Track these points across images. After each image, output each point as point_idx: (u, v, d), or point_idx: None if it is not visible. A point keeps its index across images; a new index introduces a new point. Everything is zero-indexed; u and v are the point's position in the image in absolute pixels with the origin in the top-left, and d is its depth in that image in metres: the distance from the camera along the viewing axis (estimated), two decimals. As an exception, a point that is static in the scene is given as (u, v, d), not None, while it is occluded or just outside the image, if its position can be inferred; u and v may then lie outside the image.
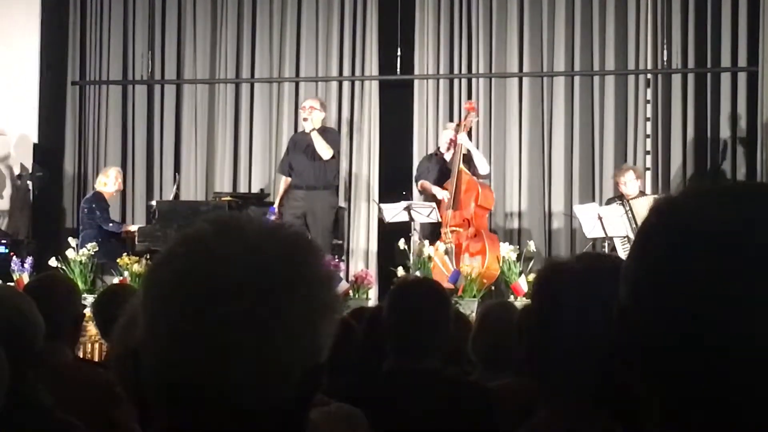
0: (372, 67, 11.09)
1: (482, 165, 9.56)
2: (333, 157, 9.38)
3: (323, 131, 9.42)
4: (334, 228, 9.77)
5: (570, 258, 1.86)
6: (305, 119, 9.37)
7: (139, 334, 1.14)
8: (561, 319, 1.70)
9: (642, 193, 9.22)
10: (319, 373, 1.13)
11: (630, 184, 9.19)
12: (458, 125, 9.65)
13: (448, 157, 9.59)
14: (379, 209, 9.80)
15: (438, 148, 9.90)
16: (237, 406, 1.08)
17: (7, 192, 10.65)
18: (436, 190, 9.47)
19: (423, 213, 9.33)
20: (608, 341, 1.01)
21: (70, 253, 8.87)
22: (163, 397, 1.12)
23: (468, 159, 9.48)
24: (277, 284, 1.10)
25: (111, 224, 9.75)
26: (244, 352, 1.07)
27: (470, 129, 9.82)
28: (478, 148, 10.01)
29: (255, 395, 1.08)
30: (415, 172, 10.11)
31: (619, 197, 9.33)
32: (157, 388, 1.12)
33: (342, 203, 10.85)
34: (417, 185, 9.84)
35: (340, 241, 10.25)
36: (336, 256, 9.58)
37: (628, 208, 8.95)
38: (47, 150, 10.97)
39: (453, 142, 9.51)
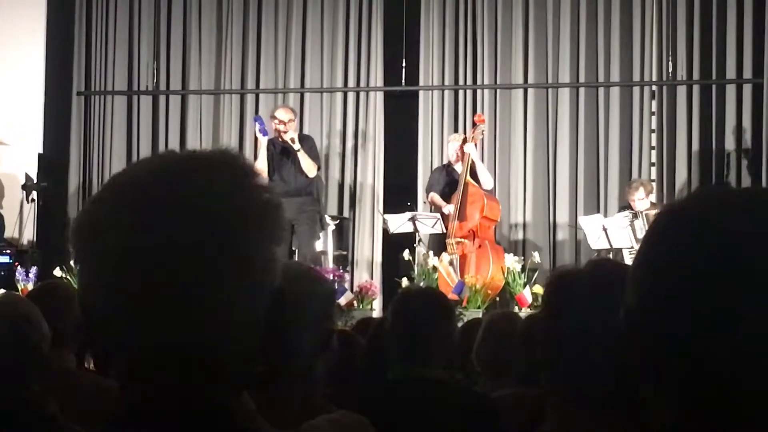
0: (377, 77, 11.10)
1: (486, 180, 9.48)
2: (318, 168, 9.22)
3: (302, 142, 9.18)
4: (322, 236, 9.55)
5: (581, 266, 1.85)
6: (287, 133, 8.92)
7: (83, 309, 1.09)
8: (571, 327, 1.69)
9: (654, 205, 9.08)
10: (280, 299, 1.10)
11: (640, 202, 9.02)
12: (466, 137, 9.61)
13: (458, 168, 9.52)
14: (384, 220, 9.79)
15: (449, 160, 9.81)
16: (206, 352, 1.05)
17: (12, 202, 10.65)
18: (443, 205, 9.42)
19: (427, 224, 9.32)
20: (618, 348, 1.01)
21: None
22: (133, 366, 1.08)
23: (474, 171, 9.43)
24: (226, 211, 1.09)
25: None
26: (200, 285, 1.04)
27: (479, 141, 9.75)
28: (483, 159, 10.00)
29: (225, 341, 1.05)
30: (426, 183, 10.04)
31: (631, 208, 9.23)
32: (124, 357, 1.09)
33: (347, 213, 10.83)
34: (427, 197, 9.77)
35: (345, 252, 10.22)
36: (340, 267, 9.54)
37: (640, 219, 8.87)
38: (52, 160, 10.97)
39: (462, 153, 9.45)
